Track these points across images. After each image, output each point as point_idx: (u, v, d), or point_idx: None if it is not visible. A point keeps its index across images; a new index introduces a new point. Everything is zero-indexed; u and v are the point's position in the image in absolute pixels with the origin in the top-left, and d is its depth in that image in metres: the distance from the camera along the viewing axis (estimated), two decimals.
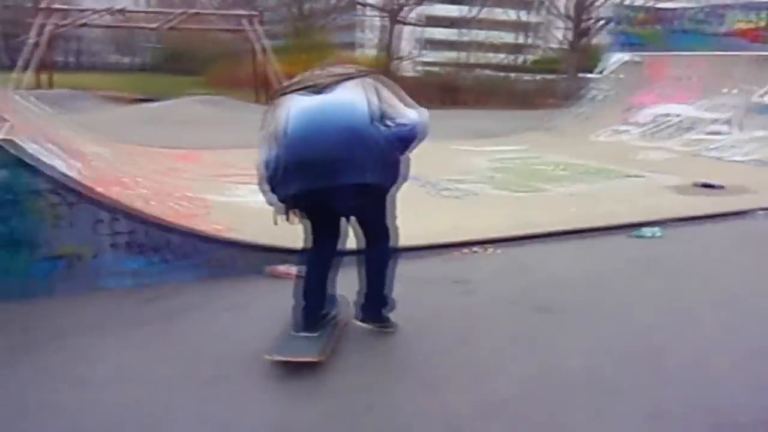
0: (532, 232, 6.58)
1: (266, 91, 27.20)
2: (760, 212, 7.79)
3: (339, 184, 3.39)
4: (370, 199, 3.63)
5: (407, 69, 35.43)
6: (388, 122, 3.49)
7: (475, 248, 6.08)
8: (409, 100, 3.76)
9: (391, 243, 3.90)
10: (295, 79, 3.75)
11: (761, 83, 12.67)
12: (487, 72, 29.34)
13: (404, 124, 3.53)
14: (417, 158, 3.86)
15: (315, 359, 3.50)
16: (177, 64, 42.18)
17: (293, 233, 3.97)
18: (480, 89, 26.42)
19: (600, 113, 14.63)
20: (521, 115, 19.26)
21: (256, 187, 3.81)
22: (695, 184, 9.41)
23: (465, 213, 7.65)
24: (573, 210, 7.86)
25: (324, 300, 3.85)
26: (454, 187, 9.05)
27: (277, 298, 4.29)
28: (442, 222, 6.95)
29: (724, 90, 13.11)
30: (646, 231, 6.89)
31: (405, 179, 3.74)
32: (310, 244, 3.85)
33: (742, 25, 13.54)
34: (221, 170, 9.04)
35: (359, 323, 4.00)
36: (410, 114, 3.61)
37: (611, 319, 4.42)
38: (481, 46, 36.02)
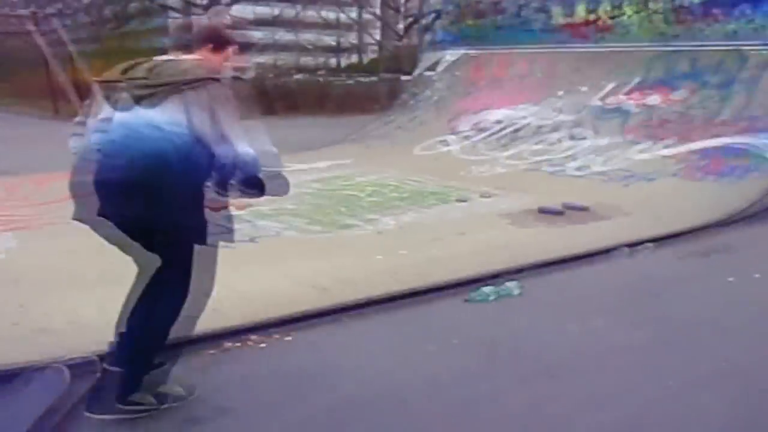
0: (314, 308, 4.31)
1: (55, 102, 23.45)
2: (626, 249, 5.95)
3: None
4: None
5: None
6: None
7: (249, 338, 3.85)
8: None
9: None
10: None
11: (594, 82, 11.19)
12: (299, 77, 26.77)
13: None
14: None
15: None
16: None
17: None
18: (291, 95, 23.89)
19: (422, 120, 12.56)
20: (335, 123, 16.87)
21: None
22: (542, 210, 7.52)
23: (238, 271, 5.07)
24: (379, 258, 5.60)
25: None
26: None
27: None
28: None
29: (559, 92, 11.52)
30: (487, 292, 4.76)
31: None
32: None
33: (571, 19, 12.06)
34: None
35: None
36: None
37: None
38: (293, 49, 33.38)
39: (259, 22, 35.21)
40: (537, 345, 3.87)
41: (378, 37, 30.94)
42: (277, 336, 3.92)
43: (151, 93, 2.85)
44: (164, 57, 3.09)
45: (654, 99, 10.33)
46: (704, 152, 8.98)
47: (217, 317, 3.64)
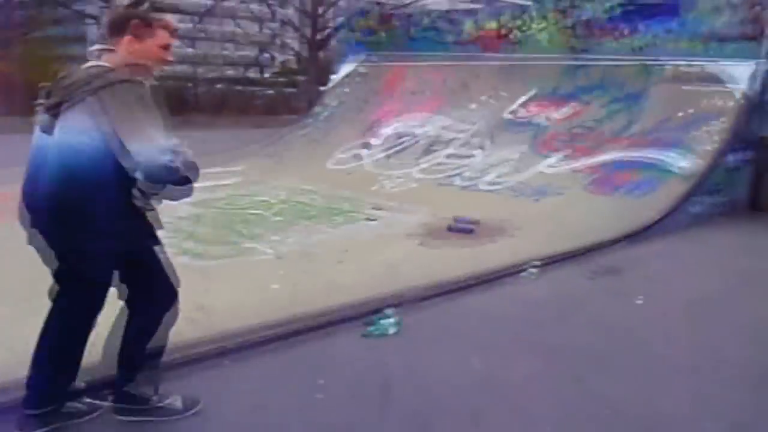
0: (190, 349, 3.79)
1: None
2: (532, 269, 5.76)
3: None
4: None
5: None
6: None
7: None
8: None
9: None
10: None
11: (505, 95, 11.13)
12: (218, 86, 26.10)
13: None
14: None
15: None
16: None
17: None
18: (208, 104, 23.20)
19: (335, 132, 12.20)
20: (249, 134, 16.26)
21: None
22: (450, 228, 7.32)
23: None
24: (276, 288, 5.21)
25: None
26: None
27: None
28: None
29: (472, 105, 11.40)
30: (385, 325, 4.44)
31: None
32: None
33: (482, 32, 11.98)
34: None
35: None
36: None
37: None
38: (213, 59, 32.49)
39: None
40: (420, 394, 3.54)
41: (296, 47, 30.38)
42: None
43: (48, 116, 2.72)
44: (86, 65, 2.81)
45: (564, 112, 10.33)
46: (613, 165, 8.99)
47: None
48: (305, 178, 10.08)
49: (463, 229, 7.31)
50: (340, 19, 18.30)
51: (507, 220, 7.61)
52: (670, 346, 4.23)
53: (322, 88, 15.52)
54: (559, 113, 10.37)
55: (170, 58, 2.94)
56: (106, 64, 2.74)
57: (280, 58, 39.83)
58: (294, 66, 34.29)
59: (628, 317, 4.81)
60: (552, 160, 9.65)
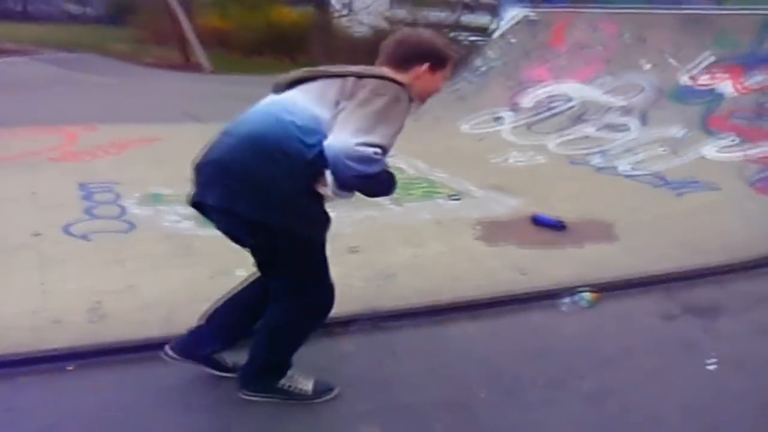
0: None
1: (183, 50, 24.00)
2: (566, 299, 4.18)
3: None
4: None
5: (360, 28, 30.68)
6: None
7: None
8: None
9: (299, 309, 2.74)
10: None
11: (686, 55, 8.79)
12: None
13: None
14: None
15: None
16: (133, 16, 38.34)
17: None
18: None
19: (480, 92, 10.67)
20: None
21: None
22: (536, 220, 5.81)
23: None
24: (241, 274, 4.22)
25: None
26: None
27: None
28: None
29: (646, 65, 9.22)
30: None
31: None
32: None
33: None
34: None
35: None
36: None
37: None
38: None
39: None
40: None
41: None
42: None
43: (294, 78, 2.63)
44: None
45: (757, 80, 7.83)
46: None
47: None
48: (432, 142, 8.81)
49: (550, 223, 5.72)
50: None
51: (622, 218, 5.83)
52: None
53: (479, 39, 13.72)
54: (750, 80, 7.89)
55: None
56: (395, 77, 2.56)
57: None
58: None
59: (679, 389, 3.22)
60: (724, 142, 7.38)
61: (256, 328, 2.88)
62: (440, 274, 4.53)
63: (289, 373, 2.94)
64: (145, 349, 3.24)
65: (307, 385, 2.95)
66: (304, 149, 2.42)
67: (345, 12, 30.41)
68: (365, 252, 4.94)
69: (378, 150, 2.31)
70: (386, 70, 2.60)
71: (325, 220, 2.63)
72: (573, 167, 7.85)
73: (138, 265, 4.44)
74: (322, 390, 2.98)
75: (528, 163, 8.15)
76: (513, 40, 11.27)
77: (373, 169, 2.32)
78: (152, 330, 3.45)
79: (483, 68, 11.20)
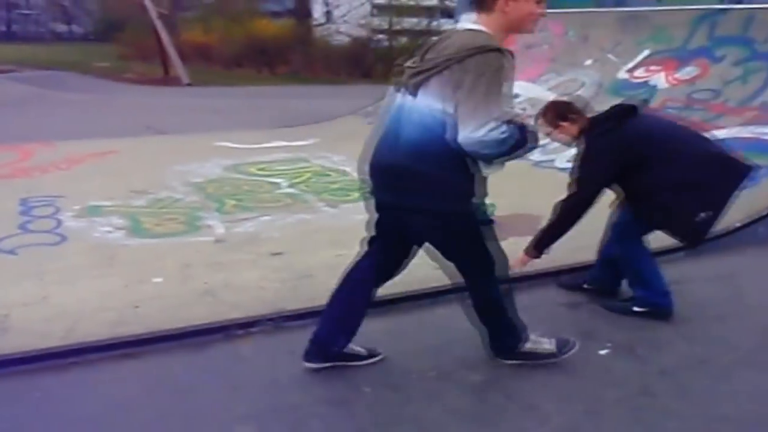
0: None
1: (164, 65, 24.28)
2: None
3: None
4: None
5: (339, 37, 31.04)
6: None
7: None
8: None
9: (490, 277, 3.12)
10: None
11: (624, 51, 9.00)
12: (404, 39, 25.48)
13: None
14: None
15: None
16: (120, 33, 38.63)
17: None
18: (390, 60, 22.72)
19: None
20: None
21: None
22: None
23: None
24: (157, 282, 4.43)
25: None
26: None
27: None
28: None
29: (587, 61, 9.44)
30: None
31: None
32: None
33: None
34: None
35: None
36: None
37: None
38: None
39: None
40: None
41: None
42: None
43: (416, 79, 2.76)
44: (461, 27, 2.83)
45: (687, 71, 8.04)
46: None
47: None
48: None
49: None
50: None
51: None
52: None
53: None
54: (681, 72, 8.10)
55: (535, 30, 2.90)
56: (483, 29, 2.72)
57: None
58: None
59: (564, 375, 3.29)
60: None
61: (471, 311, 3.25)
62: None
63: (533, 337, 3.29)
64: (46, 358, 3.32)
65: (551, 344, 3.32)
66: (449, 143, 2.69)
67: (323, 21, 30.80)
68: (288, 255, 5.06)
69: (502, 127, 2.62)
70: (473, 25, 2.76)
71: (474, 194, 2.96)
72: (511, 163, 8.01)
73: (56, 278, 4.53)
74: (562, 346, 3.32)
75: None
76: None
77: (508, 143, 2.66)
78: (53, 341, 3.51)
79: None
